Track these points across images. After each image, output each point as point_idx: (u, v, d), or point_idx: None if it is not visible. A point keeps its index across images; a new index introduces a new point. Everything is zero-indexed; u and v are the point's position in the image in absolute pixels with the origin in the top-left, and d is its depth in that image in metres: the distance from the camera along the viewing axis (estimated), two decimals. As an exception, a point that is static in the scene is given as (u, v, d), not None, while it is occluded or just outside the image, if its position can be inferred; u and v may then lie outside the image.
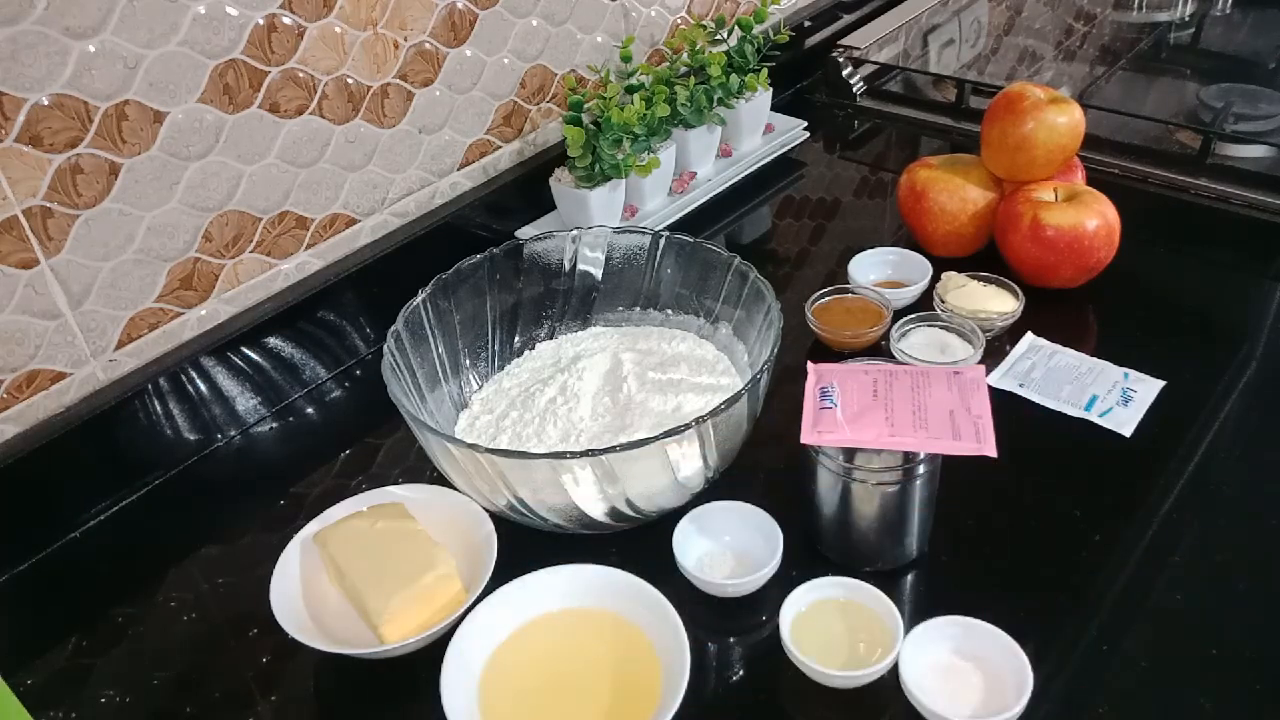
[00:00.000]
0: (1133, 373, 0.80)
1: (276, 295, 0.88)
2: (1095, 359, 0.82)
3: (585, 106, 0.98)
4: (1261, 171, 1.01)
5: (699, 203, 1.07)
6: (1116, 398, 0.78)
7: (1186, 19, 1.45)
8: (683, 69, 1.09)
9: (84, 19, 0.69)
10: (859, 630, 0.62)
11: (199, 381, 0.82)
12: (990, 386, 0.78)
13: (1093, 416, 0.77)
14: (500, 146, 1.03)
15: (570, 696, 0.60)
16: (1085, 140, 0.91)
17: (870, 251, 0.94)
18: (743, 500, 0.70)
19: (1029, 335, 0.85)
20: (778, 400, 0.76)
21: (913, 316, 0.85)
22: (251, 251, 0.85)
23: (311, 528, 0.70)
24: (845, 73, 1.28)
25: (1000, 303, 0.86)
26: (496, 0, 0.95)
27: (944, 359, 0.82)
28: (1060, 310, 0.88)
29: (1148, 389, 0.79)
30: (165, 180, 0.77)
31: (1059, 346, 0.84)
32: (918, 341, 0.84)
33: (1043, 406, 0.78)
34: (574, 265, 0.85)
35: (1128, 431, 0.75)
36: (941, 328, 0.84)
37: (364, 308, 0.92)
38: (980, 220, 0.93)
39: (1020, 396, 0.79)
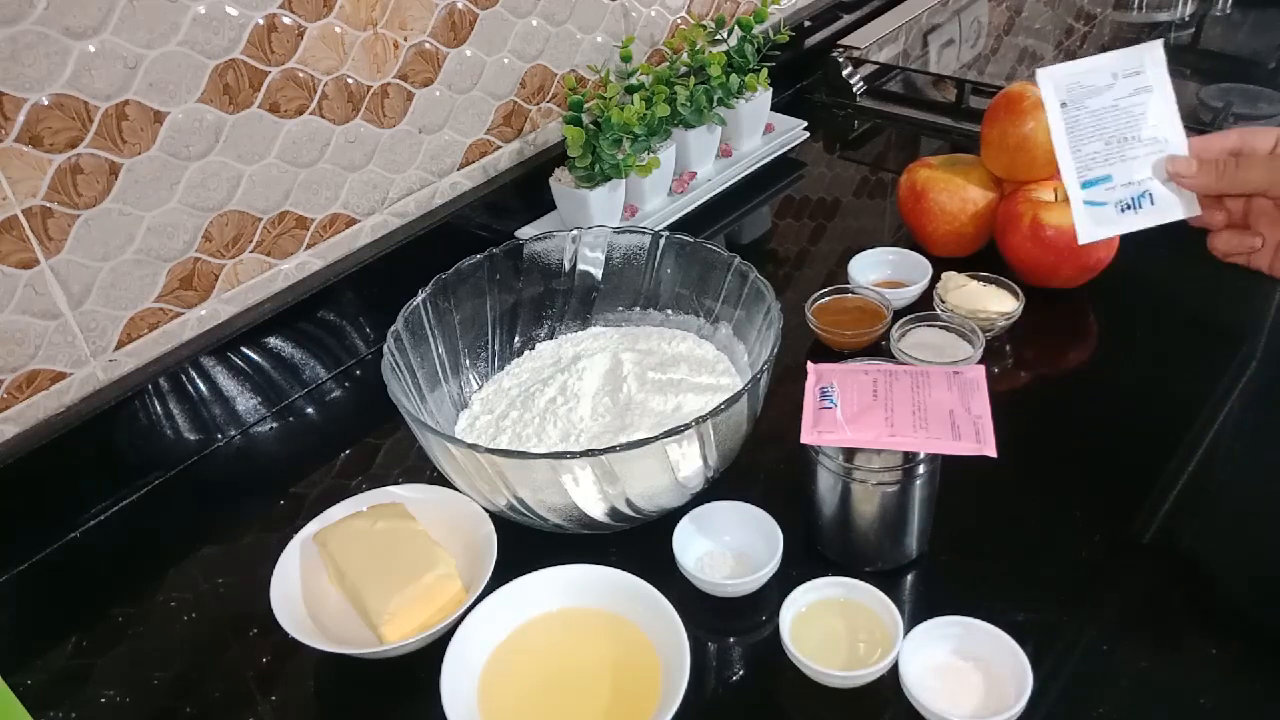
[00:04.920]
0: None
1: (276, 295, 0.88)
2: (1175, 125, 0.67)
3: (585, 106, 0.98)
4: (1261, 171, 1.01)
5: (699, 203, 1.07)
6: (1123, 198, 0.66)
7: (1186, 19, 1.45)
8: (683, 69, 1.09)
9: (84, 19, 0.69)
10: (859, 630, 0.62)
11: (199, 381, 0.82)
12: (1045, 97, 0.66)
13: (1078, 198, 0.66)
14: (500, 146, 1.03)
15: (570, 696, 0.60)
16: (1085, 140, 0.90)
17: (870, 251, 0.94)
18: (743, 500, 0.70)
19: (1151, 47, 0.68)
20: (778, 400, 0.76)
21: (912, 316, 0.85)
22: (251, 251, 0.85)
23: (311, 528, 0.70)
24: (845, 73, 1.28)
25: (1000, 303, 0.85)
26: (496, 0, 0.95)
27: (944, 359, 0.82)
28: (1060, 310, 0.89)
29: (1166, 206, 0.66)
30: (165, 180, 0.77)
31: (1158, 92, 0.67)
32: (918, 341, 0.84)
33: (1043, 410, 0.78)
34: (574, 265, 0.85)
35: (1081, 239, 0.66)
36: (941, 328, 0.84)
37: (364, 308, 0.92)
38: (980, 220, 0.92)
39: (1021, 400, 0.79)
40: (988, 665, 0.59)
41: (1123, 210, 0.67)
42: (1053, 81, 0.67)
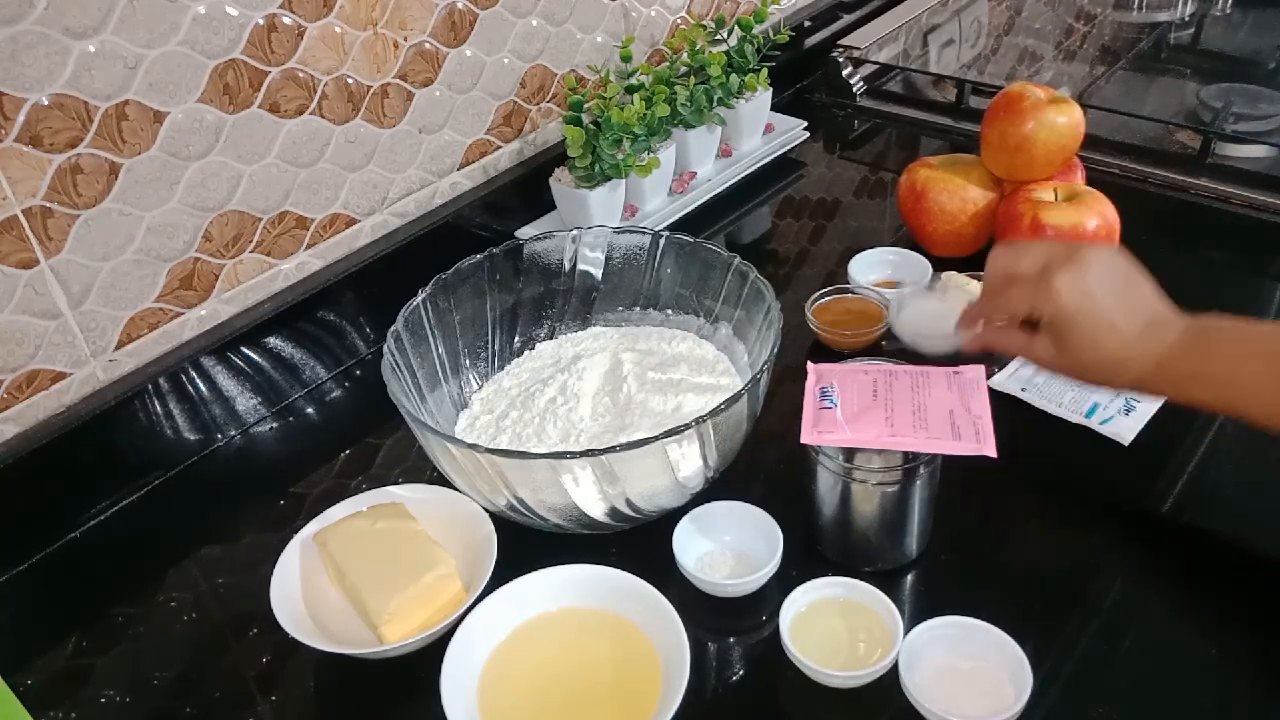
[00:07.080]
0: None
1: (276, 295, 0.88)
2: None
3: (585, 106, 0.98)
4: (1261, 171, 1.01)
5: (699, 203, 1.07)
6: (1119, 407, 0.77)
7: (1186, 19, 1.45)
8: (683, 69, 1.09)
9: (84, 19, 0.69)
10: (859, 630, 0.62)
11: (199, 381, 0.82)
12: (992, 389, 0.78)
13: (1093, 424, 0.76)
14: (500, 146, 1.03)
15: (570, 696, 0.60)
16: (1085, 140, 0.90)
17: (870, 251, 0.94)
18: (743, 500, 0.70)
19: None
20: (778, 400, 0.76)
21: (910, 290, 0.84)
22: (251, 251, 0.85)
23: (311, 528, 0.70)
24: (845, 73, 1.28)
25: (1000, 303, 0.85)
26: (496, 0, 0.95)
27: (945, 328, 0.79)
28: (1060, 310, 0.88)
29: (1151, 400, 0.77)
30: (165, 180, 0.77)
31: None
32: (917, 312, 0.82)
33: (1043, 412, 0.78)
34: (574, 265, 0.85)
35: (1126, 440, 0.75)
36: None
37: (364, 308, 0.92)
38: (980, 220, 0.92)
39: (1021, 401, 0.79)
40: (988, 665, 0.59)
41: (1128, 414, 0.76)
42: (1006, 379, 0.81)
